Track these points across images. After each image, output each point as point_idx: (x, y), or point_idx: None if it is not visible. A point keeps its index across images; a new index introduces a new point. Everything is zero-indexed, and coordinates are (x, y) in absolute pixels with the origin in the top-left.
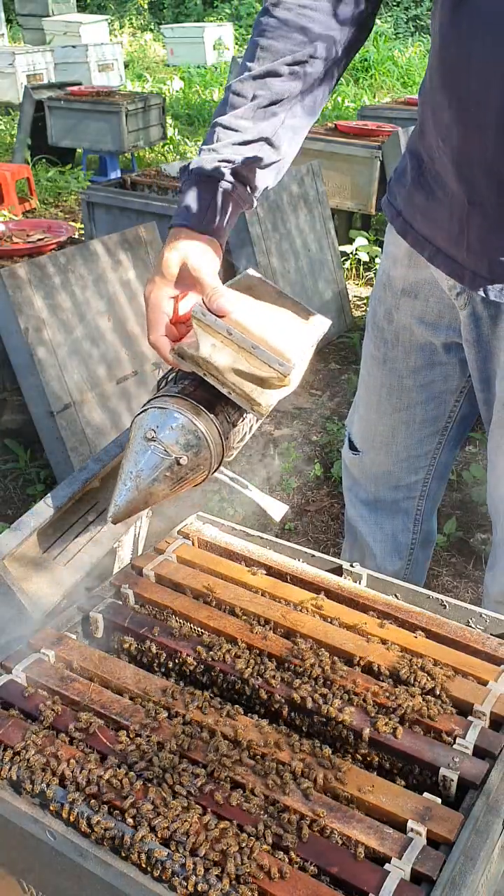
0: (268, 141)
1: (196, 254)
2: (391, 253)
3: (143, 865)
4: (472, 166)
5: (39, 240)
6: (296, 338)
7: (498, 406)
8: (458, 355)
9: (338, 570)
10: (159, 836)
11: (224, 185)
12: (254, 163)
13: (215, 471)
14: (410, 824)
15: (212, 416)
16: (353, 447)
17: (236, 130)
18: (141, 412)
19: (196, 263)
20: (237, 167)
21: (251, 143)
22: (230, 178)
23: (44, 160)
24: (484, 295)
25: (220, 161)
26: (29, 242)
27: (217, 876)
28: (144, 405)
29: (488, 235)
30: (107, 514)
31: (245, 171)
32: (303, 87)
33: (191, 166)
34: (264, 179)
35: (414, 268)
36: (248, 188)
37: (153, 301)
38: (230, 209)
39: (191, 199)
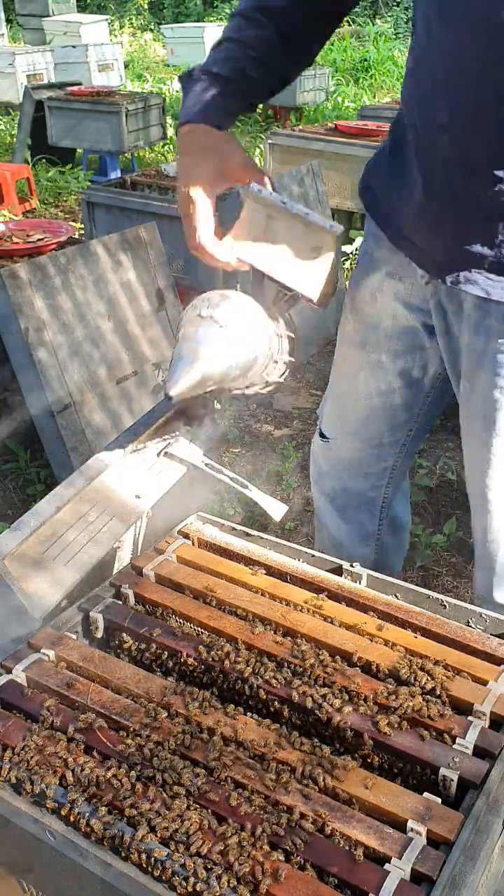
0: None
1: (231, 149)
2: (374, 234)
3: (143, 865)
4: (430, 158)
5: (39, 240)
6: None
7: (466, 405)
8: (437, 345)
9: (338, 570)
10: (159, 835)
11: (217, 73)
12: (235, 61)
13: (272, 373)
14: (410, 824)
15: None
16: (322, 435)
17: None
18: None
19: (241, 157)
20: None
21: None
22: (221, 69)
23: (44, 160)
24: (443, 284)
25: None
26: (29, 242)
27: (217, 876)
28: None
29: (444, 226)
30: (166, 391)
31: (231, 66)
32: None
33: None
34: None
35: (397, 251)
36: (243, 81)
37: (197, 198)
38: (234, 101)
39: (196, 99)
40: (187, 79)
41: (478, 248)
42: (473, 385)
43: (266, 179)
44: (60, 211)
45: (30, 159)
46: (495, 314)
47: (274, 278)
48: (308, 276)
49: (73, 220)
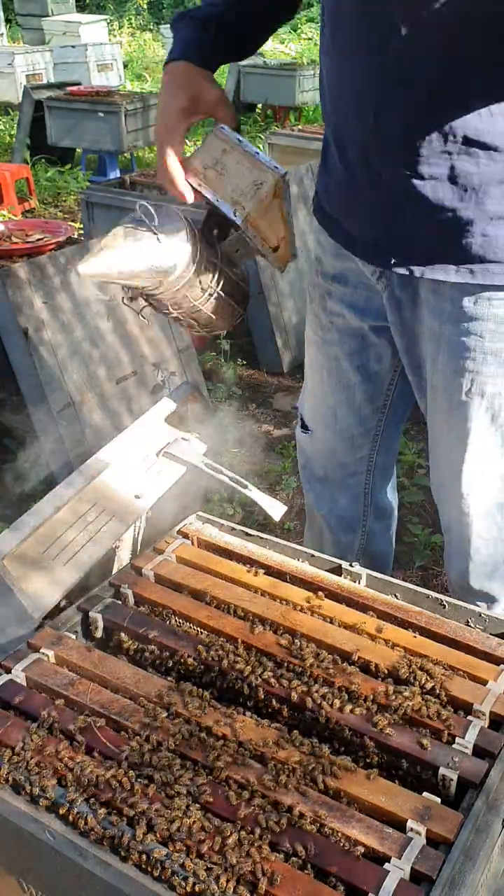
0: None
1: (205, 83)
2: (320, 240)
3: (143, 865)
4: (347, 148)
5: (39, 240)
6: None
7: (430, 393)
8: (389, 337)
9: (337, 570)
10: (158, 835)
11: (203, 16)
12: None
13: (198, 298)
14: (410, 824)
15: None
16: (304, 426)
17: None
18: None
19: (215, 92)
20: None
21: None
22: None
23: (43, 160)
24: (395, 271)
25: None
26: (28, 242)
27: (216, 876)
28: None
29: (377, 214)
30: (76, 268)
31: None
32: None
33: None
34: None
35: (341, 256)
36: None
37: (168, 126)
38: (218, 43)
39: (179, 39)
40: (176, 22)
41: (421, 232)
42: (434, 369)
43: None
44: (60, 211)
45: (29, 159)
46: (450, 296)
47: (213, 202)
48: (247, 204)
49: (73, 220)
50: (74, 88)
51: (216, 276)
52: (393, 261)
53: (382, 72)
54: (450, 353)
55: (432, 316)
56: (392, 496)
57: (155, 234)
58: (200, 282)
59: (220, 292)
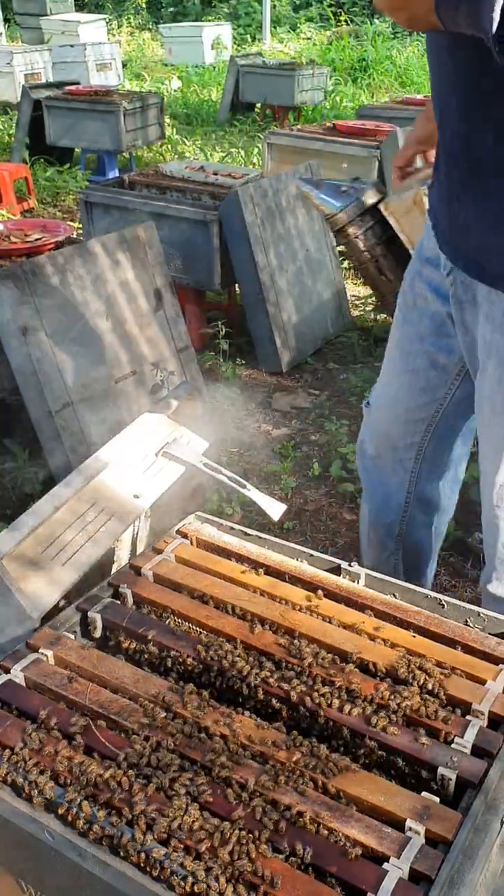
0: None
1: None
2: (426, 223)
3: (142, 865)
4: (441, 147)
5: (37, 239)
6: None
7: (478, 398)
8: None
9: (336, 570)
10: (157, 835)
11: None
12: None
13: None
14: (409, 823)
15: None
16: (368, 402)
17: None
18: None
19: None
20: None
21: None
22: None
23: (42, 160)
24: (457, 269)
25: None
26: (27, 242)
27: (215, 876)
28: None
29: (459, 210)
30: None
31: None
32: None
33: None
34: None
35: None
36: None
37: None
38: None
39: None
40: None
41: (488, 238)
42: (484, 374)
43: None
44: (59, 211)
45: (28, 159)
46: (501, 307)
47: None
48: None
49: (72, 220)
50: (73, 88)
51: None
52: (461, 263)
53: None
54: (498, 361)
55: (486, 322)
56: (445, 492)
57: None
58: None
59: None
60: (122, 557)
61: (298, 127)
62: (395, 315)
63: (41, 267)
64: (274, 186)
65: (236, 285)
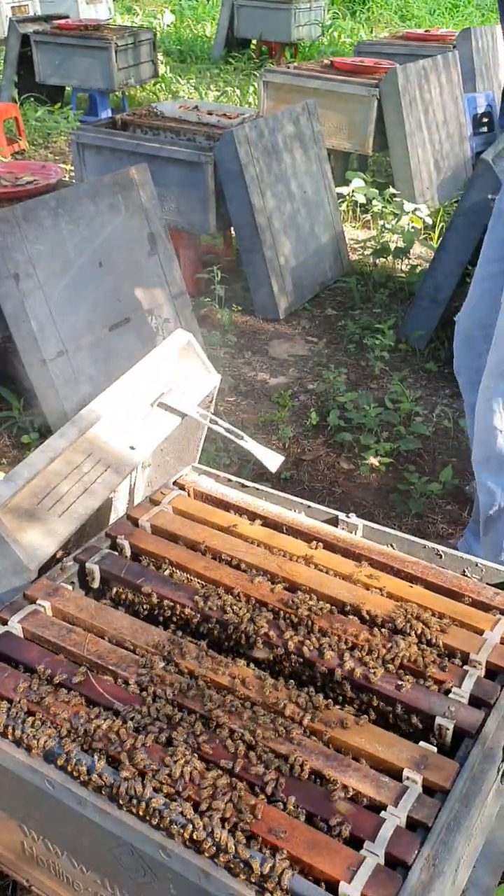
0: None
1: None
2: None
3: (141, 814)
4: None
5: (29, 183)
6: None
7: None
8: None
9: (334, 521)
10: (156, 785)
11: None
12: None
13: None
14: (406, 773)
15: None
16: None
17: None
18: None
19: None
20: None
21: None
22: None
23: (32, 99)
24: None
25: None
26: (18, 186)
27: (214, 824)
28: None
29: None
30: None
31: None
32: None
33: None
34: None
35: None
36: None
37: None
38: None
39: None
40: None
41: None
42: None
43: None
44: (50, 152)
45: (17, 98)
46: None
47: None
48: None
49: (64, 162)
50: (62, 22)
51: None
52: None
53: None
54: None
55: None
56: None
57: None
58: None
59: None
60: (119, 509)
61: (295, 64)
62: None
63: (33, 211)
64: (270, 126)
65: (232, 229)
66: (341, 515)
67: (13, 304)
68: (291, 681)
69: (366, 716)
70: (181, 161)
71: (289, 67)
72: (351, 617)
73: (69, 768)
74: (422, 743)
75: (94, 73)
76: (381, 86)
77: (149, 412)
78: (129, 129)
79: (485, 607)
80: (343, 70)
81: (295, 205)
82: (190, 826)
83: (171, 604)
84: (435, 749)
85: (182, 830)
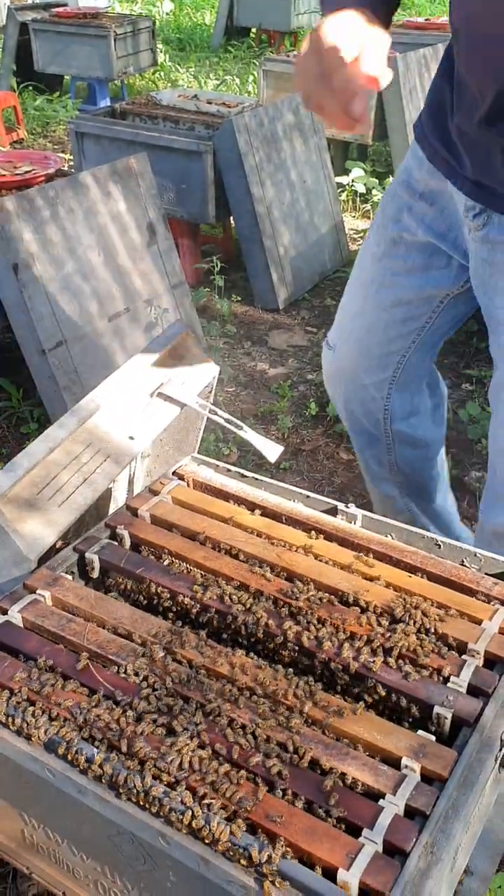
0: None
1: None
2: (418, 157)
3: (141, 803)
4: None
5: (27, 172)
6: None
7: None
8: (455, 267)
9: (333, 511)
10: (156, 774)
11: None
12: None
13: None
14: (405, 761)
15: None
16: (328, 344)
17: None
18: None
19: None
20: None
21: None
22: None
23: (30, 87)
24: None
25: None
26: (16, 175)
27: (214, 813)
28: None
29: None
30: None
31: None
32: None
33: None
34: None
35: (436, 177)
36: None
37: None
38: None
39: None
40: None
41: None
42: None
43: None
44: (49, 142)
45: (16, 86)
46: None
47: None
48: None
49: (62, 152)
50: (60, 10)
51: None
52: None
53: None
54: None
55: None
56: (426, 423)
57: None
58: None
59: None
60: (118, 499)
61: (295, 53)
62: (368, 249)
63: (31, 200)
64: (270, 115)
65: (231, 218)
66: (340, 505)
67: (12, 295)
68: (290, 669)
69: (363, 704)
70: (180, 150)
71: (289, 56)
72: (350, 607)
73: (69, 757)
74: (420, 732)
75: (93, 61)
76: None
77: (148, 402)
78: (127, 118)
79: (483, 597)
80: None
81: (294, 194)
82: (189, 813)
83: (171, 594)
84: (433, 738)
85: (181, 818)
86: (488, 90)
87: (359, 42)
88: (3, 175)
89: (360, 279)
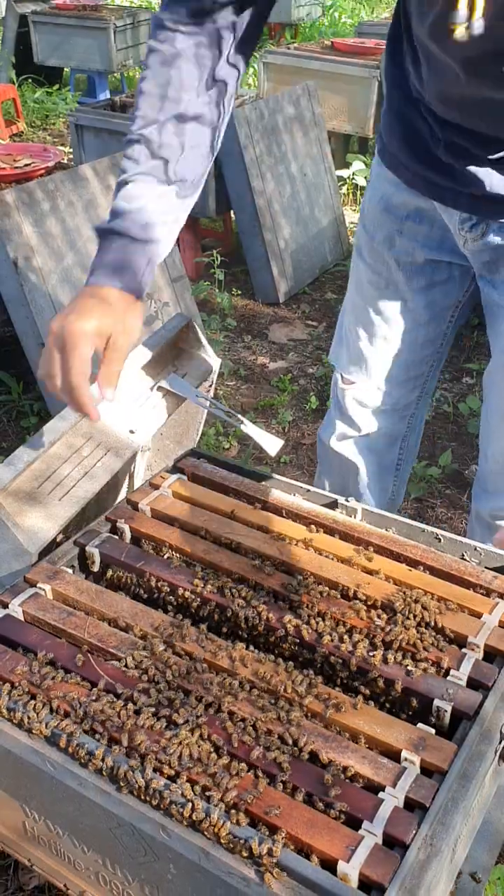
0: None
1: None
2: (390, 181)
3: (142, 796)
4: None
5: (27, 165)
6: None
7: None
8: (458, 272)
9: (332, 505)
10: (156, 766)
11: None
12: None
13: None
14: (404, 754)
15: None
16: (346, 380)
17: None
18: None
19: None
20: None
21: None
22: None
23: (30, 80)
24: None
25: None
26: (16, 168)
27: (214, 806)
28: None
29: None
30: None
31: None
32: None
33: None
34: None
35: (419, 197)
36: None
37: (77, 336)
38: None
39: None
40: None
41: None
42: None
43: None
44: (48, 134)
45: (15, 79)
46: None
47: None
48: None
49: (62, 144)
50: (60, 2)
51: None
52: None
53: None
54: None
55: None
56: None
57: None
58: None
59: None
60: (119, 492)
61: (295, 45)
62: (366, 280)
63: (31, 193)
64: (270, 108)
65: (231, 212)
66: (340, 499)
67: (11, 288)
68: (291, 663)
69: (362, 696)
70: None
71: (289, 48)
72: (350, 600)
73: (70, 750)
74: (420, 724)
75: (93, 53)
76: (382, 67)
77: (148, 396)
78: (127, 110)
79: (483, 591)
80: (344, 51)
81: (295, 187)
82: (190, 805)
83: (171, 587)
84: (433, 731)
85: (182, 810)
86: (477, 128)
87: (98, 346)
88: (3, 168)
89: (368, 309)
